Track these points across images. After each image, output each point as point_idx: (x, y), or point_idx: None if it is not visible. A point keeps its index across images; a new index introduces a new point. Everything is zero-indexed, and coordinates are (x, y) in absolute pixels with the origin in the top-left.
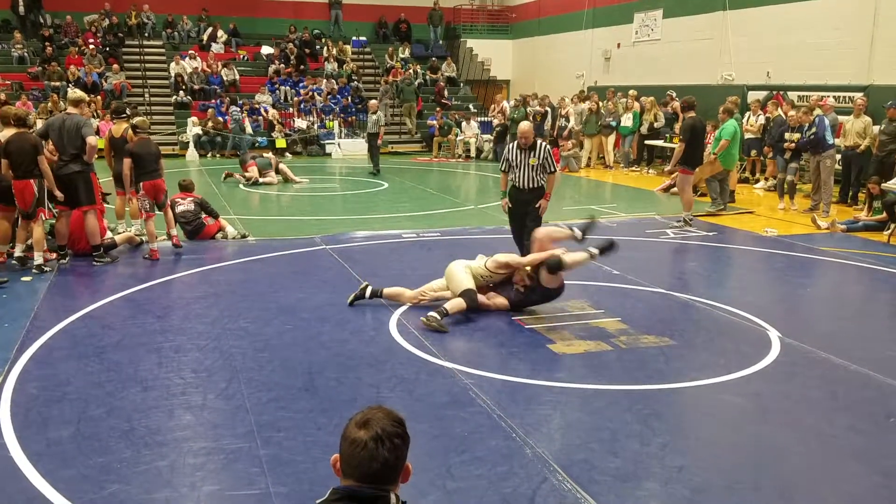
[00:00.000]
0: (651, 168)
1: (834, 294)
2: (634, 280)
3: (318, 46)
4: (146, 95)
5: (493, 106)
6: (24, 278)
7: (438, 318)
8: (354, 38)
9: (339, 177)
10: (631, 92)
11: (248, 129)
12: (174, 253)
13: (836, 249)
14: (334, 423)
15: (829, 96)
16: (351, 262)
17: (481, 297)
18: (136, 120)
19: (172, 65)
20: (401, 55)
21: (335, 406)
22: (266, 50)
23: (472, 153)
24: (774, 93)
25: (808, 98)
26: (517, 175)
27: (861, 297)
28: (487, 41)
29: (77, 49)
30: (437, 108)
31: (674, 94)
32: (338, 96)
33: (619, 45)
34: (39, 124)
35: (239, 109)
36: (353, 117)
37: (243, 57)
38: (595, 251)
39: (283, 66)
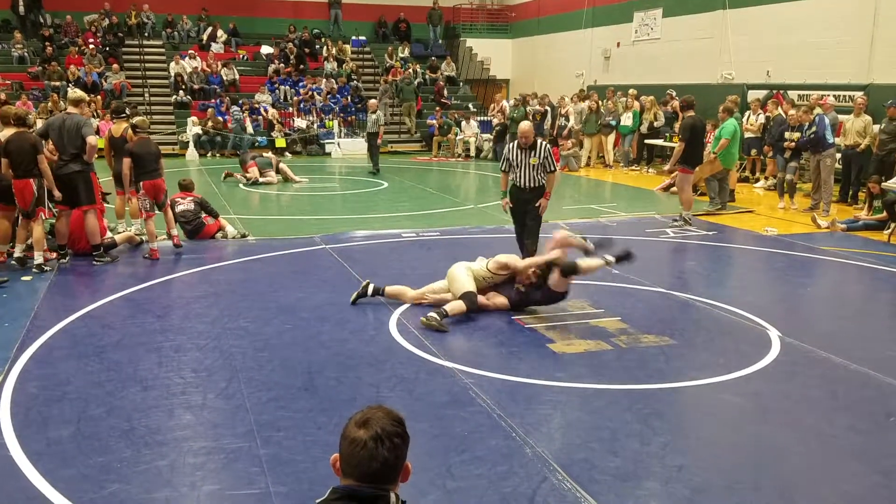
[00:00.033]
0: (651, 167)
1: (834, 293)
2: (634, 279)
3: (317, 46)
4: (146, 95)
5: (492, 105)
6: (24, 278)
7: (438, 318)
8: (354, 37)
9: (339, 176)
10: (631, 91)
11: (250, 129)
12: (174, 252)
13: (837, 249)
14: (334, 422)
15: (829, 95)
16: (351, 261)
17: (481, 298)
18: (135, 119)
19: (172, 64)
20: (400, 54)
21: (335, 405)
22: (266, 49)
23: (472, 152)
24: (774, 92)
25: (808, 97)
26: (518, 174)
27: (861, 297)
28: (487, 40)
29: (77, 49)
30: (437, 108)
31: (674, 94)
32: (337, 96)
33: (618, 45)
34: (40, 124)
35: (240, 109)
36: (353, 117)
37: (243, 56)
38: (611, 259)
39: (282, 65)
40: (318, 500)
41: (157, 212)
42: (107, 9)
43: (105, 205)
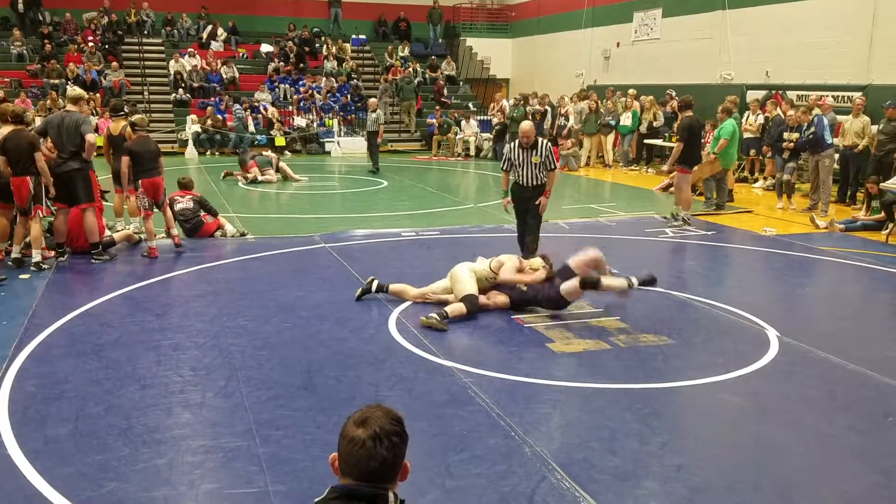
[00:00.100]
0: (650, 167)
1: (832, 293)
2: None
3: (317, 44)
4: (145, 93)
5: (492, 105)
6: (22, 276)
7: (438, 318)
8: (354, 36)
9: (339, 175)
10: (630, 91)
11: (251, 127)
12: (173, 251)
13: (835, 249)
14: (333, 421)
15: (827, 96)
16: (350, 260)
17: (482, 298)
18: (134, 118)
19: (172, 62)
20: (400, 53)
21: (334, 404)
22: (265, 48)
23: (472, 152)
24: (773, 92)
25: (807, 97)
26: (520, 173)
27: (859, 297)
28: (487, 40)
29: (76, 46)
30: (437, 107)
31: (673, 94)
32: (337, 94)
33: (618, 44)
34: (38, 122)
35: (242, 108)
36: (353, 115)
37: (242, 55)
38: (634, 281)
39: (282, 64)
40: (316, 500)
41: (155, 211)
42: (106, 6)
43: (104, 203)
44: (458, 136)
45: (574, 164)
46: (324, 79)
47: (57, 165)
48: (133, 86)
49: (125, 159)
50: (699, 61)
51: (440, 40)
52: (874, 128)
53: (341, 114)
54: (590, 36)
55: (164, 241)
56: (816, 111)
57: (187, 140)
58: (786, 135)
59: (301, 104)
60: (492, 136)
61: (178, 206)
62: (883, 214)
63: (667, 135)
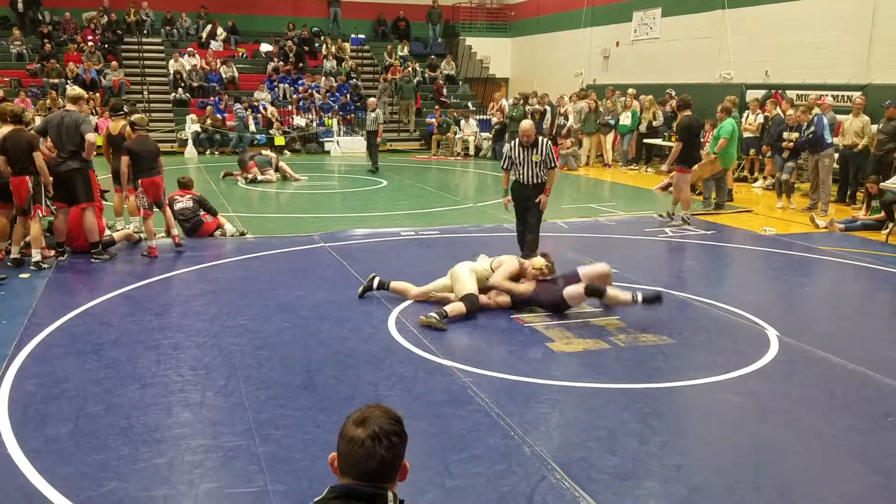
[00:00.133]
0: (649, 166)
1: (832, 293)
2: (633, 279)
3: (316, 44)
4: (145, 93)
5: (491, 104)
6: (22, 275)
7: (437, 318)
8: (353, 35)
9: (338, 175)
10: (630, 90)
11: (252, 127)
12: (173, 250)
13: (835, 249)
14: (333, 420)
15: (827, 95)
16: (350, 259)
17: (483, 298)
18: (134, 117)
19: (171, 62)
20: (399, 53)
21: (334, 404)
22: (265, 47)
23: (471, 151)
24: (773, 92)
25: (807, 97)
26: (521, 172)
27: (859, 297)
28: (486, 39)
29: (76, 46)
30: (436, 106)
31: (672, 93)
32: (336, 94)
33: (617, 44)
34: (38, 121)
35: (242, 107)
36: (352, 115)
37: (242, 54)
38: (640, 297)
39: (281, 63)
40: (316, 499)
41: (155, 210)
42: (106, 6)
43: (103, 202)
44: (457, 136)
45: (573, 164)
46: (323, 78)
47: (57, 165)
48: (132, 85)
49: (125, 159)
50: (698, 61)
51: (439, 40)
52: (874, 127)
53: (340, 113)
54: (589, 35)
55: (164, 240)
56: (816, 111)
57: (187, 139)
58: (785, 134)
59: (300, 104)
60: (491, 136)
61: (177, 206)
62: (883, 214)
63: (666, 134)
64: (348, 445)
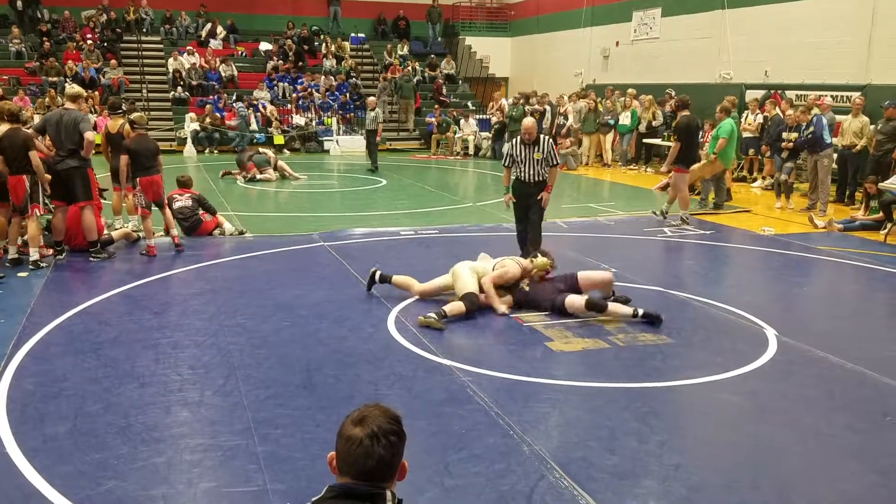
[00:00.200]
0: (649, 166)
1: (830, 293)
2: (632, 278)
3: (316, 43)
4: (144, 91)
5: (491, 103)
6: (20, 274)
7: (436, 318)
8: (353, 34)
9: (338, 174)
10: (629, 90)
11: (254, 125)
12: (171, 249)
13: (833, 249)
14: (332, 420)
15: (826, 95)
16: (349, 259)
17: (483, 297)
18: (133, 116)
19: (170, 60)
20: (399, 52)
21: (333, 403)
22: (264, 46)
23: (471, 151)
24: (772, 92)
25: (806, 97)
26: (522, 170)
27: (857, 297)
28: (486, 39)
29: (75, 44)
30: (436, 106)
31: (672, 93)
32: (336, 93)
33: (617, 44)
34: (37, 119)
35: (244, 106)
36: (352, 114)
37: (241, 53)
38: (640, 312)
39: (281, 62)
40: (314, 499)
41: (154, 209)
42: (105, 4)
43: (102, 201)
44: (456, 135)
45: (573, 164)
46: (322, 77)
47: (55, 163)
48: (132, 84)
49: (124, 157)
50: (698, 61)
51: (439, 39)
52: (873, 127)
53: (340, 112)
54: (589, 35)
55: (163, 239)
56: (815, 111)
57: (186, 138)
58: (784, 134)
59: (300, 103)
60: (490, 135)
61: (176, 205)
62: (881, 214)
63: (666, 134)
64: (347, 445)
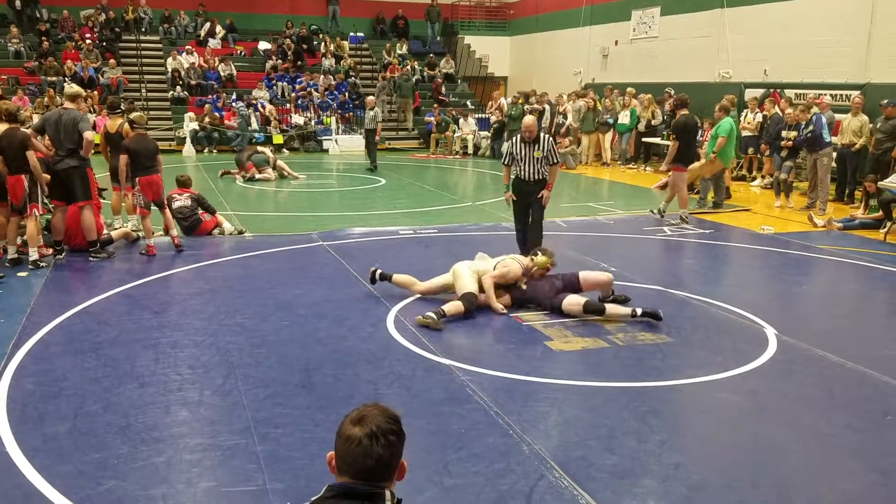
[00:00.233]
0: (648, 165)
1: (830, 292)
2: (631, 277)
3: (315, 42)
4: (143, 91)
5: (490, 103)
6: (20, 273)
7: (435, 318)
8: (352, 33)
9: (337, 173)
10: (628, 89)
11: (254, 125)
12: (171, 249)
13: (833, 247)
14: (331, 419)
15: (826, 94)
16: (348, 258)
17: (482, 296)
18: (133, 115)
19: (169, 60)
20: (398, 51)
21: (332, 403)
22: (263, 45)
23: (470, 150)
24: (772, 90)
25: (806, 96)
26: (522, 168)
27: (857, 295)
28: (485, 38)
29: (74, 44)
30: (435, 105)
31: (671, 92)
32: (335, 92)
33: (616, 43)
34: (36, 119)
35: (245, 105)
36: (351, 113)
37: (240, 52)
38: (639, 312)
39: (280, 61)
40: (313, 498)
41: (153, 208)
42: (104, 3)
43: (101, 201)
44: (456, 135)
45: (572, 163)
46: (321, 76)
47: (54, 163)
48: (131, 83)
49: (123, 157)
50: (697, 59)
51: (438, 38)
52: (872, 126)
53: (339, 112)
54: (588, 34)
55: (162, 238)
56: (815, 109)
57: (185, 138)
58: (784, 133)
59: (299, 102)
60: (490, 135)
61: (176, 204)
62: (881, 213)
63: (665, 133)
64: (346, 444)
